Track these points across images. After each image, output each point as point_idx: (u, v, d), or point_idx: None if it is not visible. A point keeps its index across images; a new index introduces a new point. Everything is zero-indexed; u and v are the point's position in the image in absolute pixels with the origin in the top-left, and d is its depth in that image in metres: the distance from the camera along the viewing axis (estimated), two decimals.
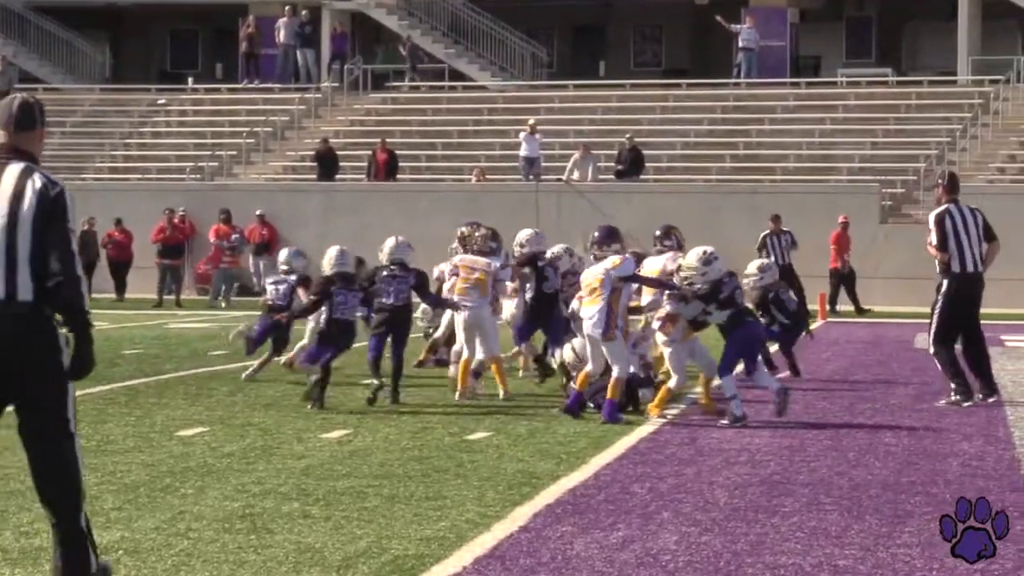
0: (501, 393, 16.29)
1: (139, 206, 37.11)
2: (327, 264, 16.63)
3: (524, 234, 18.27)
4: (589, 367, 14.27)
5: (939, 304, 15.83)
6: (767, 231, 30.07)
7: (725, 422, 13.68)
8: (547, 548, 7.98)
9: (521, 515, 8.85)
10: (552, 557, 7.73)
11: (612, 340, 14.10)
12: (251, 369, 17.62)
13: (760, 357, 15.15)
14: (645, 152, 38.39)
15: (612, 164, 38.45)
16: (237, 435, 12.44)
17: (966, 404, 15.30)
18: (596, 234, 14.94)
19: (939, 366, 16.06)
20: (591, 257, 15.17)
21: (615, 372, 13.93)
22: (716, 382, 15.10)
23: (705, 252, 14.84)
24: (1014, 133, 39.44)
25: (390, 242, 17.29)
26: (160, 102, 45.63)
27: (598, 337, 14.04)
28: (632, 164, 38.00)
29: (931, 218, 16.15)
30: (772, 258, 27.55)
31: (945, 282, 15.62)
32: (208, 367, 19.01)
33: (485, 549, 7.94)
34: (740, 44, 43.77)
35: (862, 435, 12.81)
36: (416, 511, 8.97)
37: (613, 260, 14.71)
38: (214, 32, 49.14)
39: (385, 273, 17.16)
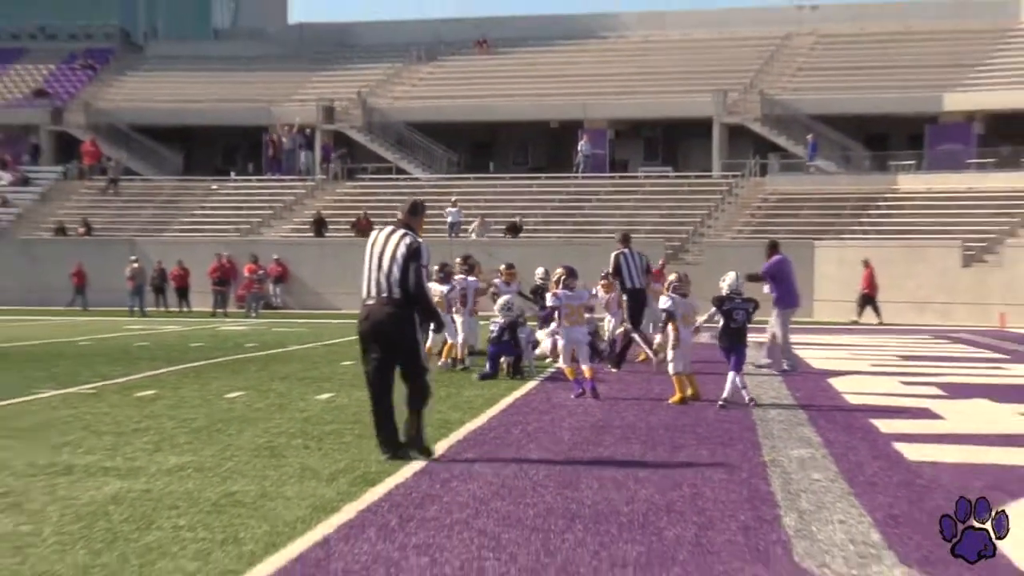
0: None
1: (201, 253, 36.78)
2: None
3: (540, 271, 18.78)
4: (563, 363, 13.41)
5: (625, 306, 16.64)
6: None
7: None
8: (459, 466, 8.07)
9: (441, 447, 8.90)
10: (462, 472, 7.82)
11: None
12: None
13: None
14: (522, 220, 38.65)
15: (501, 227, 38.49)
16: (263, 397, 12.33)
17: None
18: (562, 271, 13.96)
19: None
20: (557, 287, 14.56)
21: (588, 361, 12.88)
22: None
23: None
24: (747, 209, 39.94)
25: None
26: (214, 187, 45.28)
27: (585, 343, 13.11)
28: (514, 229, 38.27)
29: (612, 257, 16.82)
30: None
31: (625, 296, 16.44)
32: (244, 355, 18.83)
33: (423, 464, 8.02)
34: (579, 151, 43.97)
35: (653, 398, 12.87)
36: (376, 443, 9.01)
37: (587, 292, 14.52)
38: (248, 143, 48.64)
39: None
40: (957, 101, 42.50)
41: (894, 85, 43.63)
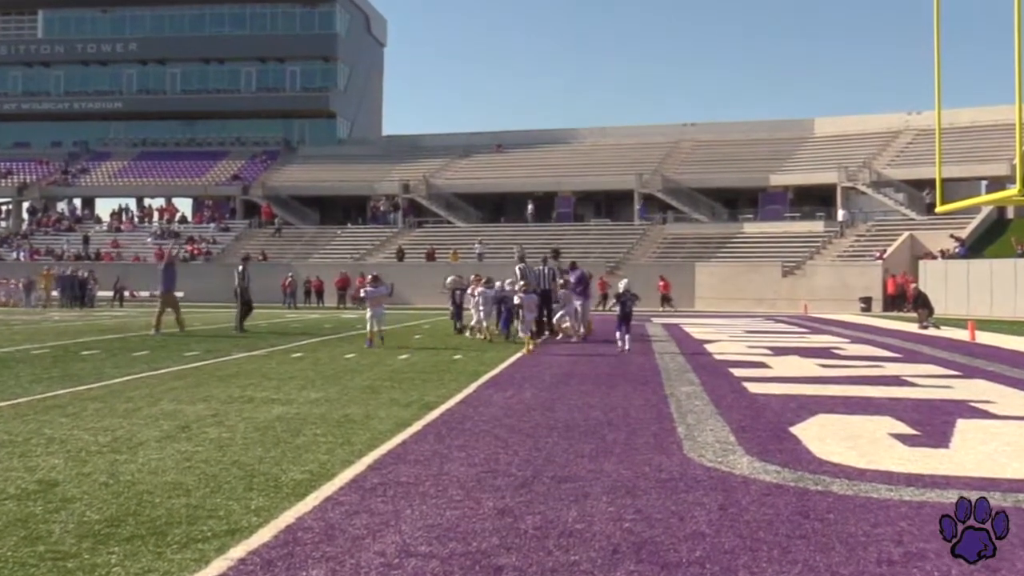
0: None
1: (330, 271, 36.75)
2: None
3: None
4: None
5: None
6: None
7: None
8: (481, 397, 7.99)
9: (472, 387, 8.82)
10: (485, 401, 7.74)
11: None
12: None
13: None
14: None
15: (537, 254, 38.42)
16: (366, 357, 12.23)
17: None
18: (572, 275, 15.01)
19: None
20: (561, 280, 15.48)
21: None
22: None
23: (622, 283, 13.62)
24: (654, 244, 39.82)
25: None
26: (338, 232, 45.15)
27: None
28: (555, 253, 37.77)
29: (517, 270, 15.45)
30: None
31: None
32: (355, 331, 18.69)
33: (462, 397, 7.93)
34: (555, 213, 43.80)
35: (602, 354, 12.82)
36: (434, 385, 8.92)
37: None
38: (358, 205, 48.45)
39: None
40: (778, 179, 42.45)
41: (740, 170, 43.51)
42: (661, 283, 32.88)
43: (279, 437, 5.96)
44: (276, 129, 54.70)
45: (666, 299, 32.53)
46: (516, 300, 14.81)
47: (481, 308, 15.67)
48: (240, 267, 18.22)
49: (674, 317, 25.86)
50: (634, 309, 13.65)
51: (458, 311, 17.43)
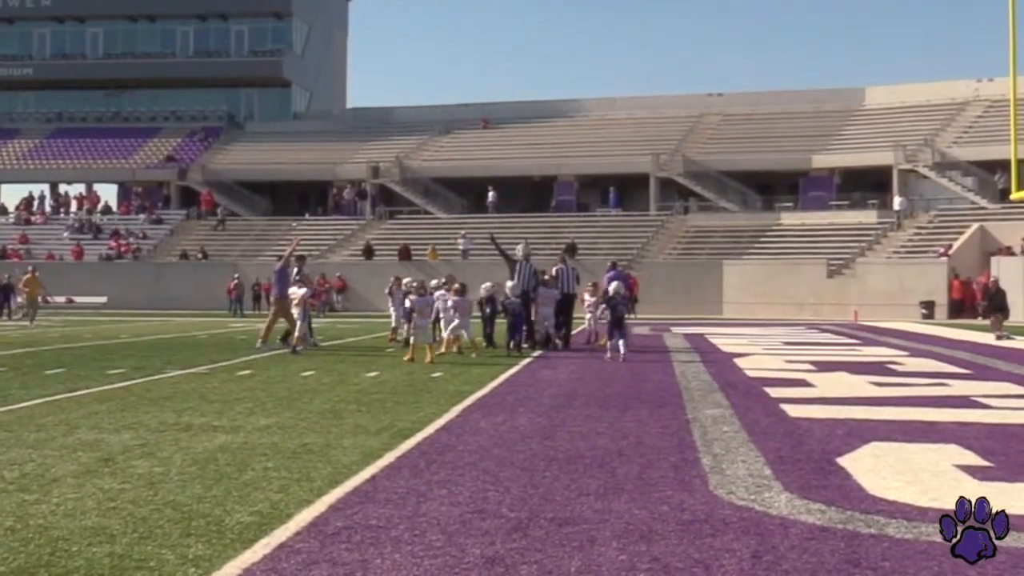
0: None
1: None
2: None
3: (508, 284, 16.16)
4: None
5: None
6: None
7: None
8: (467, 422, 7.99)
9: (455, 410, 8.82)
10: (471, 428, 7.74)
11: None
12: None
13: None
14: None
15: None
16: (328, 375, 12.19)
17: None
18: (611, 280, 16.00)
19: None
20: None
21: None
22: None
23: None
24: (674, 238, 39.98)
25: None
26: (294, 225, 45.03)
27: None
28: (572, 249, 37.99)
29: (552, 270, 16.92)
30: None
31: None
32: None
33: (443, 422, 7.93)
34: (555, 201, 43.81)
35: (611, 370, 12.82)
36: (409, 408, 8.91)
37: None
38: (318, 193, 48.46)
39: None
40: (822, 160, 42.73)
41: (777, 149, 43.75)
42: (632, 280, 32.62)
43: (222, 472, 5.94)
44: (218, 101, 54.74)
45: (633, 301, 31.59)
46: (429, 304, 14.57)
47: (417, 320, 14.29)
48: (295, 269, 18.23)
49: (699, 326, 25.89)
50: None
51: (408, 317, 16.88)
